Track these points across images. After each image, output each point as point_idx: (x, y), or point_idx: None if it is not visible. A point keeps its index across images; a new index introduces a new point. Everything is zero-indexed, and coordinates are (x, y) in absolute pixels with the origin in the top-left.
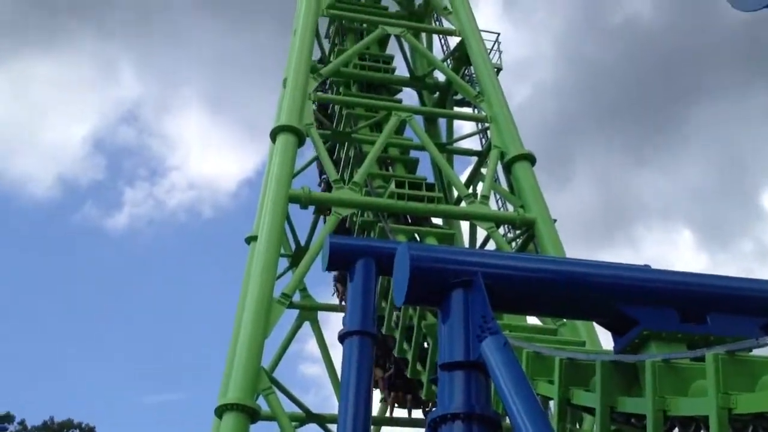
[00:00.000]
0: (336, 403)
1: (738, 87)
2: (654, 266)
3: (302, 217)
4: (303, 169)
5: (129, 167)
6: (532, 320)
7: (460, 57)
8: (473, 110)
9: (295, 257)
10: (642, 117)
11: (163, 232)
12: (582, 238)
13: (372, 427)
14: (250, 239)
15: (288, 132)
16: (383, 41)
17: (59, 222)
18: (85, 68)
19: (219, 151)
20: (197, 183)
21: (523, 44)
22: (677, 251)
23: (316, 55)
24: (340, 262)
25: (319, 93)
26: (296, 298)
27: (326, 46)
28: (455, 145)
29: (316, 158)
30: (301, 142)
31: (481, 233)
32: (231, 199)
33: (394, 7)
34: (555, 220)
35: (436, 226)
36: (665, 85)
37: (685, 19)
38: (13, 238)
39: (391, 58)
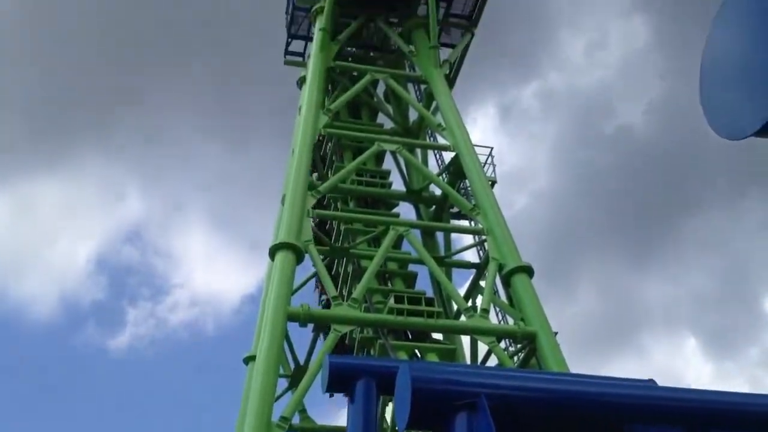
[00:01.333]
0: None
1: (733, 196)
2: (661, 377)
3: (301, 334)
4: (302, 286)
5: (132, 286)
6: None
7: (455, 171)
8: (470, 223)
9: (295, 377)
10: (640, 224)
11: (164, 351)
12: (588, 347)
13: None
14: (249, 359)
15: (286, 249)
16: (379, 157)
17: (60, 343)
18: (91, 189)
19: (222, 268)
20: (200, 300)
21: (519, 154)
22: (684, 359)
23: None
24: (339, 382)
25: (317, 210)
26: (296, 419)
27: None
28: (453, 258)
29: (315, 274)
30: (299, 259)
31: (483, 347)
32: (234, 315)
33: (389, 124)
34: (556, 333)
35: (437, 341)
36: (661, 193)
37: (676, 129)
38: (15, 362)
39: (387, 173)
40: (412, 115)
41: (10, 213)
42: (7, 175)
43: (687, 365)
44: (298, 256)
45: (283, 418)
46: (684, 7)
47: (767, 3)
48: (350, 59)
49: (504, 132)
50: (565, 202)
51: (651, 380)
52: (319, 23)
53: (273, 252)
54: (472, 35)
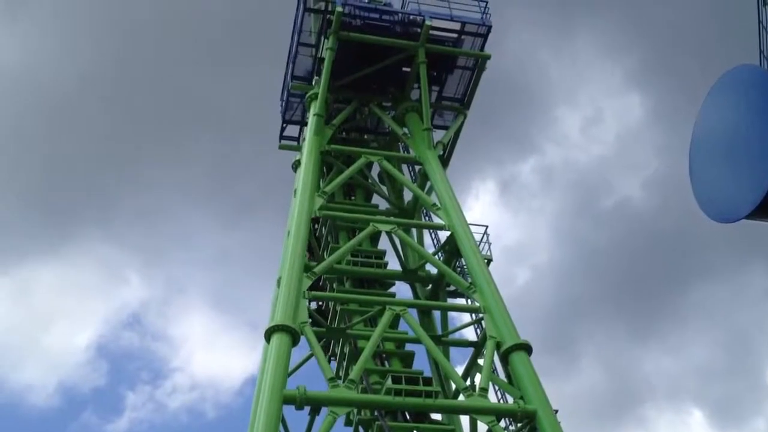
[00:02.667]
0: None
1: (735, 268)
2: None
3: (298, 415)
4: (298, 367)
5: (131, 371)
6: None
7: (451, 250)
8: (467, 301)
9: None
10: (641, 297)
11: None
12: (591, 422)
13: None
14: None
15: (282, 332)
16: (375, 237)
17: (58, 430)
18: (90, 273)
19: (222, 349)
20: (200, 383)
21: (520, 229)
22: None
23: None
24: None
25: (313, 291)
26: None
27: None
28: (450, 336)
29: (312, 355)
30: (295, 341)
31: (482, 426)
32: (234, 397)
33: (384, 205)
34: (556, 411)
35: (436, 422)
36: (662, 265)
37: (675, 202)
38: None
39: (383, 253)
40: (407, 196)
41: (8, 298)
42: (5, 259)
43: None
44: (294, 337)
45: None
46: (678, 84)
47: (752, 89)
48: (344, 142)
49: (505, 206)
50: (567, 276)
51: None
52: (314, 109)
53: (269, 334)
54: (465, 117)
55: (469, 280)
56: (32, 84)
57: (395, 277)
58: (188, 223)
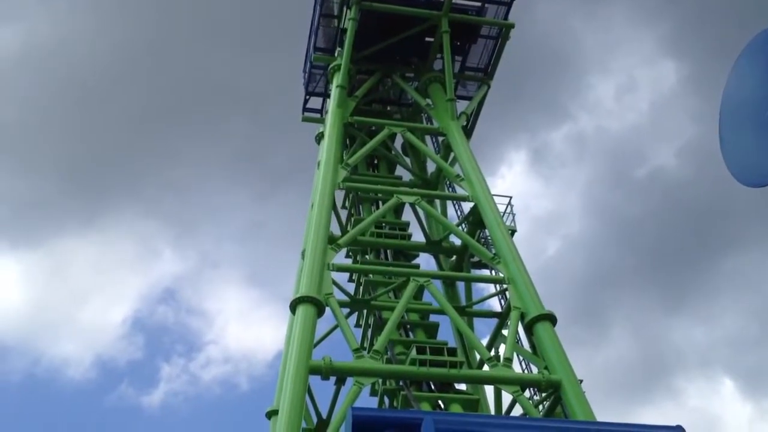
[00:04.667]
0: None
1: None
2: (697, 420)
3: (324, 385)
4: (323, 338)
5: (166, 345)
6: None
7: (475, 221)
8: (491, 272)
9: (318, 431)
10: (673, 267)
11: (198, 406)
12: (622, 391)
13: None
14: (271, 414)
15: (307, 303)
16: (398, 209)
17: (95, 403)
18: (125, 248)
19: (254, 323)
20: (233, 356)
21: (551, 198)
22: (721, 401)
23: (333, 225)
24: None
25: (337, 262)
26: None
27: (343, 215)
28: (475, 307)
29: (337, 327)
30: (320, 312)
31: (507, 397)
32: (267, 369)
33: (407, 177)
34: (581, 381)
35: (461, 391)
36: (694, 234)
37: (709, 170)
38: (49, 424)
39: (406, 224)
40: (430, 167)
41: (45, 272)
42: (41, 235)
43: (724, 407)
44: (319, 309)
45: None
46: (713, 50)
47: None
48: (367, 114)
49: (536, 175)
50: (598, 246)
51: (678, 426)
52: (336, 80)
53: (294, 306)
54: (489, 87)
55: (493, 251)
56: (65, 59)
57: (419, 248)
58: (220, 196)
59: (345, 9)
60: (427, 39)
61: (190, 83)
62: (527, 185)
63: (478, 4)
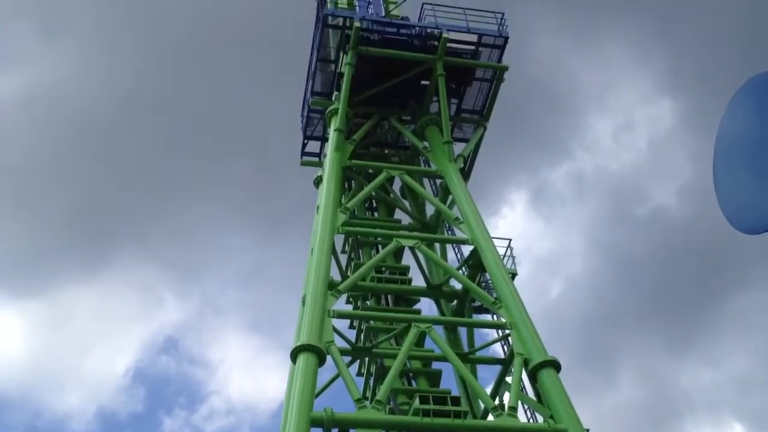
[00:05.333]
0: None
1: None
2: None
3: None
4: (325, 387)
5: (168, 396)
6: None
7: (475, 264)
8: (492, 317)
9: None
10: (678, 307)
11: None
12: None
13: None
14: None
15: (308, 352)
16: (398, 253)
17: None
18: (127, 296)
19: (258, 372)
20: (237, 407)
21: (553, 238)
22: None
23: (333, 270)
24: None
25: (338, 309)
26: None
27: (343, 260)
28: (477, 353)
29: (338, 375)
30: (321, 361)
31: None
32: (271, 419)
33: (406, 219)
34: (587, 430)
35: None
36: (698, 274)
37: (711, 210)
38: None
39: (407, 268)
40: (429, 210)
41: (47, 322)
42: (43, 284)
43: None
44: (321, 357)
45: None
46: (709, 90)
47: None
48: (365, 157)
49: (537, 215)
50: (602, 287)
51: None
52: (334, 124)
53: (295, 354)
54: (485, 129)
55: (495, 295)
56: (70, 104)
57: (420, 293)
58: (223, 239)
59: (342, 54)
60: (423, 82)
61: (193, 128)
62: (528, 225)
63: (473, 47)
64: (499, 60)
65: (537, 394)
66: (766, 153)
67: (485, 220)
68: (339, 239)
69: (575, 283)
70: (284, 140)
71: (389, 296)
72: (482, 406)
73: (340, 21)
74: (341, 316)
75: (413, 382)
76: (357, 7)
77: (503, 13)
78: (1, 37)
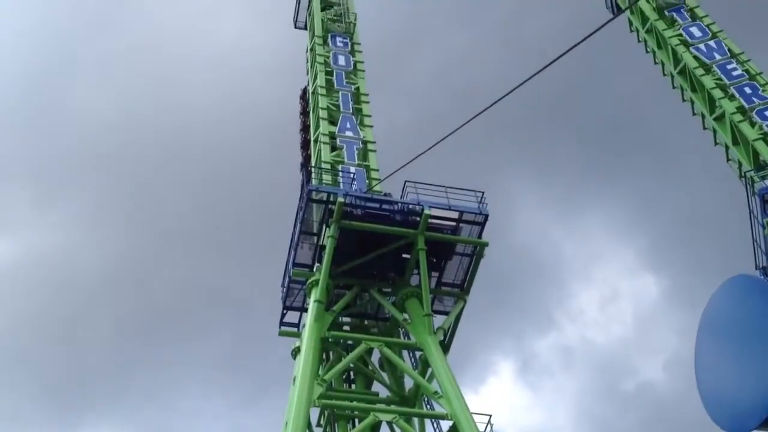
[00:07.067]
0: None
1: None
2: None
3: None
4: None
5: None
6: None
7: None
8: None
9: None
10: None
11: None
12: None
13: None
14: None
15: None
16: (375, 426)
17: None
18: None
19: None
20: None
21: (540, 410)
22: None
23: None
24: None
25: None
26: None
27: None
28: None
29: None
30: None
31: None
32: None
33: (384, 392)
34: None
35: None
36: None
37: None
38: None
39: None
40: (408, 383)
41: None
42: None
43: None
44: None
45: None
46: (692, 265)
47: (752, 296)
48: (344, 328)
49: (524, 384)
50: None
51: None
52: (314, 295)
53: None
54: (465, 302)
55: None
56: (56, 268)
57: None
58: (198, 404)
59: (324, 227)
60: (404, 255)
61: (174, 295)
62: (516, 395)
63: (453, 223)
64: (479, 236)
65: None
66: (745, 351)
67: (471, 388)
68: (315, 412)
69: None
70: (265, 309)
71: None
72: None
73: (324, 196)
74: None
75: None
76: (341, 183)
77: (483, 192)
78: None
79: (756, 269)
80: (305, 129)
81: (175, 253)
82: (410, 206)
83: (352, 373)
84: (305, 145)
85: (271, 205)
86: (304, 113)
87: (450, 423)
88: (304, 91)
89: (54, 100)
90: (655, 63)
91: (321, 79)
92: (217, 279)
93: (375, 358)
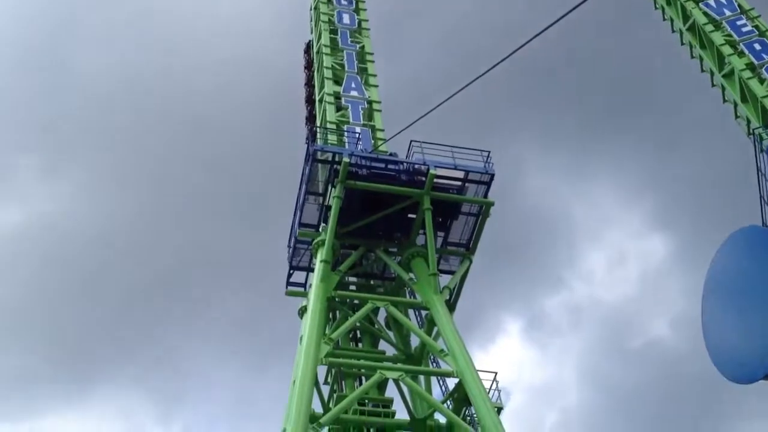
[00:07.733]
0: None
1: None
2: None
3: None
4: None
5: None
6: None
7: (460, 397)
8: None
9: None
10: None
11: None
12: None
13: None
14: None
15: None
16: (382, 384)
17: None
18: (109, 423)
19: None
20: None
21: (548, 368)
22: None
23: (315, 402)
24: None
25: None
26: None
27: (325, 391)
28: None
29: None
30: None
31: None
32: None
33: (390, 350)
34: None
35: None
36: (695, 406)
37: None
38: None
39: (390, 401)
40: (414, 341)
41: None
42: (28, 408)
43: None
44: None
45: None
46: (698, 224)
47: (759, 247)
48: (351, 288)
49: (532, 343)
50: (595, 419)
51: None
52: (320, 255)
53: None
54: (470, 262)
55: (479, 429)
56: (65, 234)
57: (403, 426)
58: (209, 369)
59: (330, 187)
60: (410, 215)
61: (182, 258)
62: (523, 353)
63: (459, 183)
64: (485, 195)
65: None
66: (752, 303)
67: (480, 347)
68: (322, 370)
69: (570, 414)
70: (272, 271)
71: (371, 429)
72: None
73: (329, 156)
74: None
75: None
76: (346, 143)
77: (489, 152)
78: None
79: (763, 226)
80: (310, 83)
81: (186, 217)
82: (416, 166)
83: (358, 332)
84: (310, 99)
85: (282, 166)
86: (309, 67)
87: (456, 380)
88: (308, 44)
89: (58, 63)
90: (664, 20)
91: (325, 38)
92: (229, 242)
93: (381, 317)
